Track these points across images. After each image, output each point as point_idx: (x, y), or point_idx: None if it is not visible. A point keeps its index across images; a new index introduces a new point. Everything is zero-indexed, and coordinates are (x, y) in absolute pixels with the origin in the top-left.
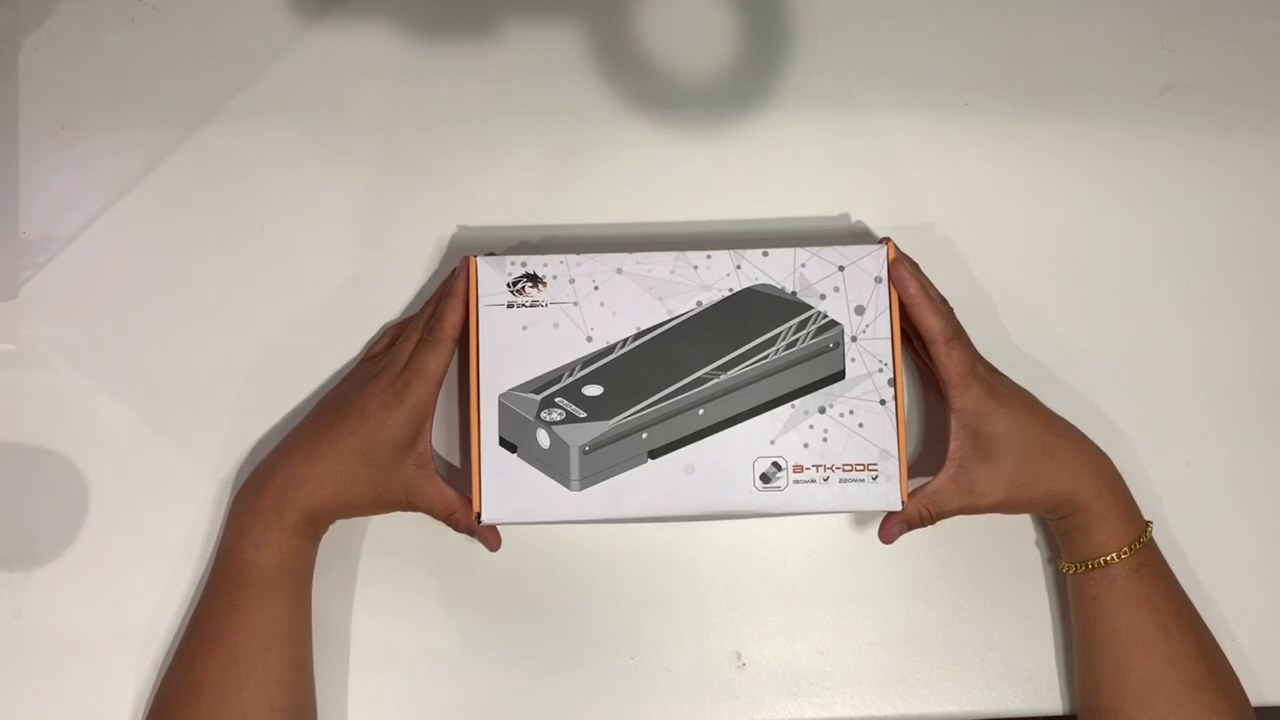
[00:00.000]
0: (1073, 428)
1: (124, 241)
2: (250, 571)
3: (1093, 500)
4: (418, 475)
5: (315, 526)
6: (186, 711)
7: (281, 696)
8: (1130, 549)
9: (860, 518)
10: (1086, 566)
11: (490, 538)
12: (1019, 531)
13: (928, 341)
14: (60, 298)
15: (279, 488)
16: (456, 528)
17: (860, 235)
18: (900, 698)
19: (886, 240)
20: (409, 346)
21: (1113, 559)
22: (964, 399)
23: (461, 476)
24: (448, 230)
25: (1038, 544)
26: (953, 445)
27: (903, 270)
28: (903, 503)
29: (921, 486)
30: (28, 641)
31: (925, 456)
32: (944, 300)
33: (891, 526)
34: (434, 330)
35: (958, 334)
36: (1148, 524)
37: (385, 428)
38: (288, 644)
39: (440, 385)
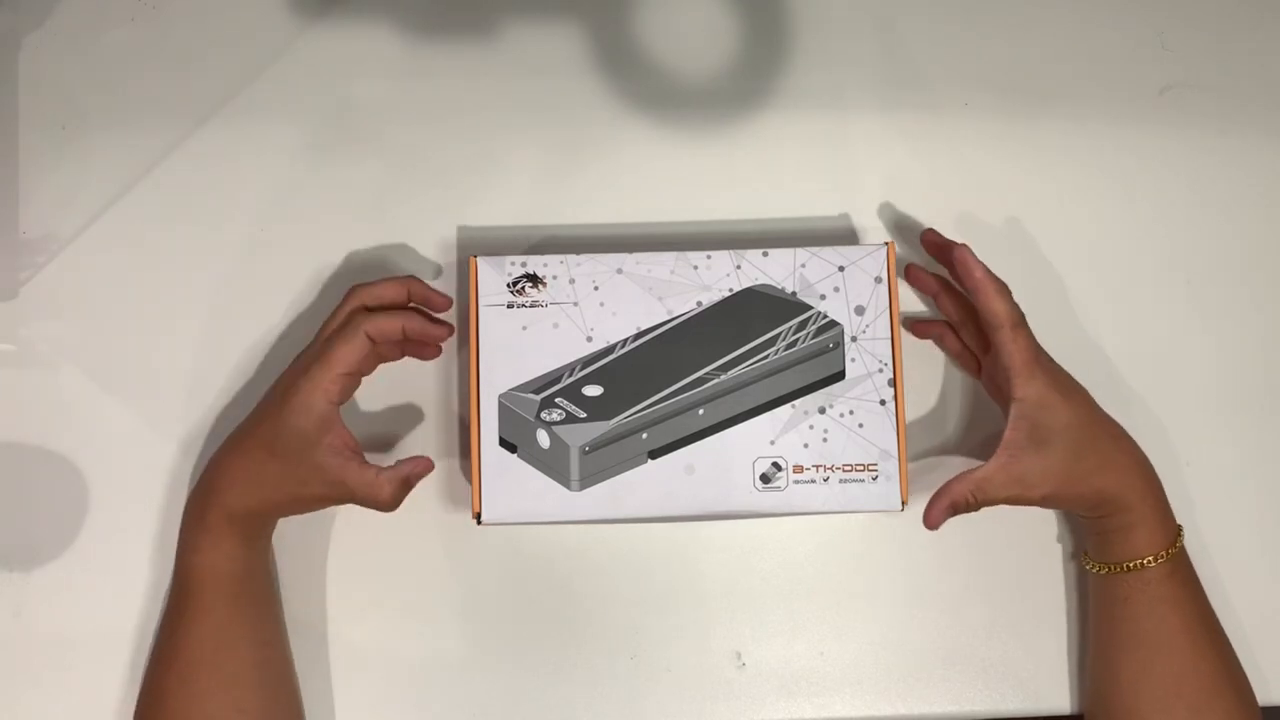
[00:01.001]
0: (1120, 427)
1: (124, 241)
2: (190, 578)
3: (1138, 502)
4: (334, 465)
5: (242, 527)
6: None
7: (248, 698)
8: (1167, 553)
9: (861, 518)
10: (1122, 568)
11: (420, 463)
12: (1021, 530)
13: (993, 327)
14: (60, 298)
15: (204, 491)
16: (387, 504)
17: (860, 235)
18: (900, 698)
19: (889, 243)
20: (326, 334)
21: (1150, 562)
22: (1028, 388)
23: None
24: (448, 230)
25: (1059, 539)
26: (1009, 434)
27: (967, 254)
28: (903, 503)
29: (970, 471)
30: (28, 641)
31: (938, 453)
32: (1007, 286)
33: (937, 511)
34: (354, 320)
35: (1023, 320)
36: (1180, 529)
37: (284, 416)
38: (245, 646)
39: (350, 375)
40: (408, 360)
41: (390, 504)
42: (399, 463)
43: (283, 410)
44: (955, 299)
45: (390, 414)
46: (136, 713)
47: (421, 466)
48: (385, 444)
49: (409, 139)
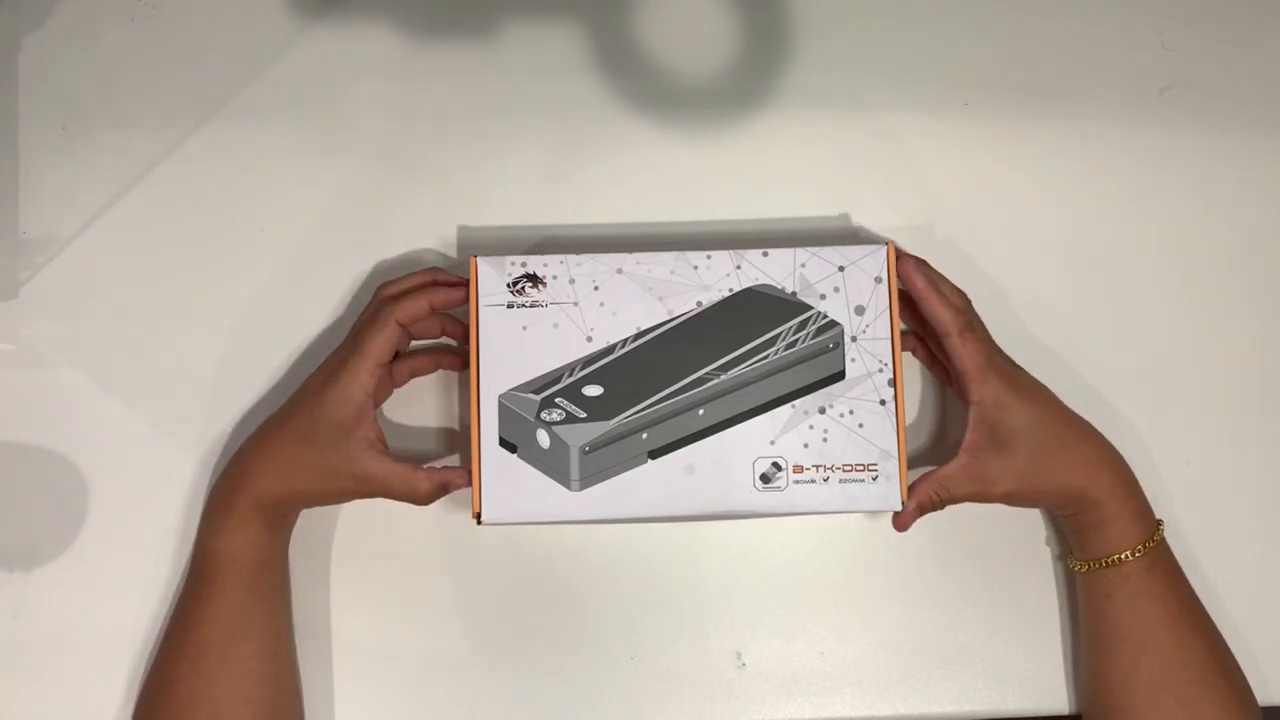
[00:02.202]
0: (1088, 424)
1: (124, 241)
2: (209, 561)
3: (1107, 497)
4: (366, 458)
5: (268, 515)
6: (161, 707)
7: (255, 688)
8: (1144, 547)
9: (861, 517)
10: (1100, 564)
11: (459, 477)
12: (1020, 530)
13: (941, 335)
14: (60, 298)
15: (232, 476)
16: (423, 499)
17: (860, 235)
18: (900, 698)
19: (889, 243)
20: (358, 326)
21: (1126, 557)
22: (982, 390)
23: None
24: (448, 230)
25: (1047, 542)
26: (969, 436)
27: (908, 266)
28: (903, 503)
29: (933, 471)
30: (28, 641)
31: (937, 453)
32: (960, 293)
33: (905, 513)
34: (382, 310)
35: (971, 325)
36: (1159, 522)
37: (321, 407)
38: (257, 636)
39: (381, 365)
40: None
41: (425, 499)
42: (444, 468)
43: (320, 401)
44: (916, 310)
45: (390, 414)
46: (142, 693)
47: (462, 480)
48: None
49: (410, 139)
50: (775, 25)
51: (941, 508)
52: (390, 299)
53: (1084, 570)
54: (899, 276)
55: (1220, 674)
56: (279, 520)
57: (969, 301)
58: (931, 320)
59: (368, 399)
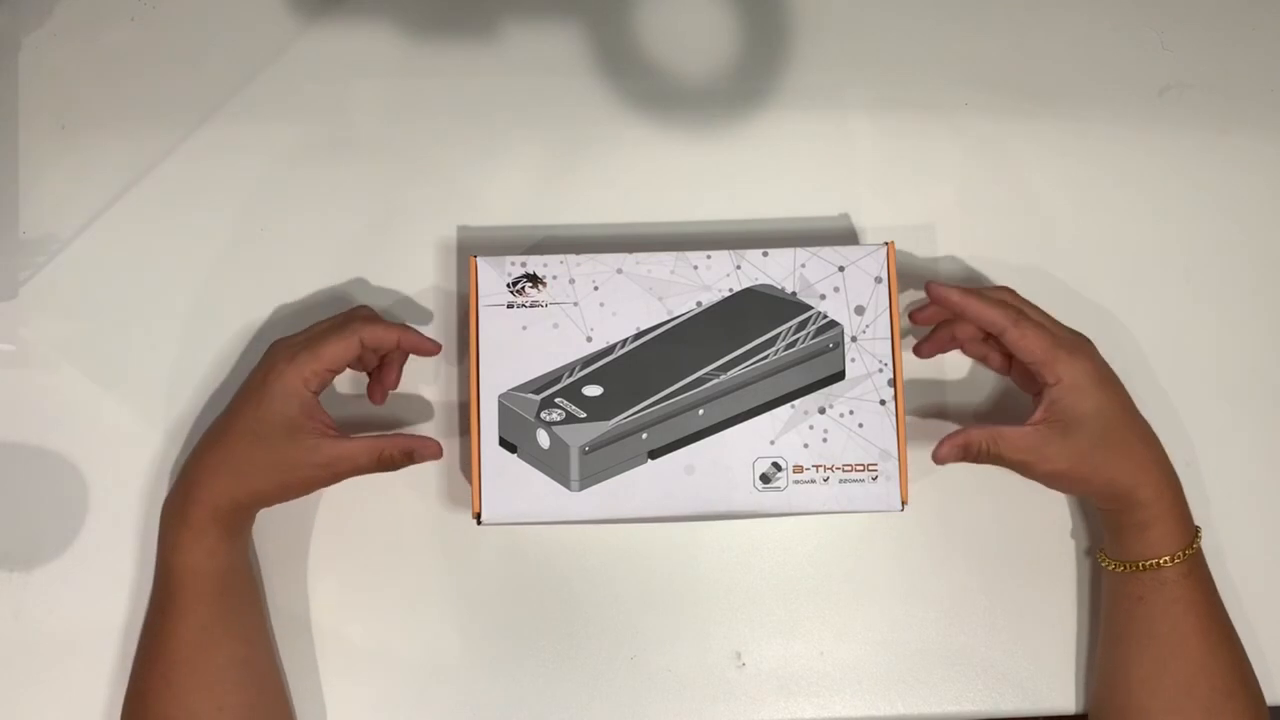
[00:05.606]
0: (1150, 428)
1: (124, 241)
2: (171, 577)
3: (1153, 499)
4: (324, 445)
5: (226, 521)
6: None
7: (229, 695)
8: (1184, 554)
9: (860, 518)
10: (1137, 566)
11: (430, 446)
12: (1022, 530)
13: (998, 335)
14: (60, 298)
15: (184, 487)
16: (392, 464)
17: (860, 235)
18: (900, 698)
19: (889, 243)
20: (318, 330)
21: (1166, 562)
22: (1057, 371)
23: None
24: (448, 230)
25: (1073, 534)
26: (1039, 413)
27: (937, 286)
28: (903, 503)
29: (997, 426)
30: (28, 641)
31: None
32: (1004, 289)
33: (950, 447)
34: (352, 322)
35: (1021, 314)
36: (1198, 530)
37: (266, 402)
38: (227, 644)
39: (333, 371)
40: (409, 360)
41: (395, 465)
42: (410, 435)
43: (264, 397)
44: (964, 326)
45: (390, 415)
46: (123, 712)
47: (430, 450)
48: None
49: (409, 139)
50: (775, 25)
51: (987, 461)
52: (364, 318)
53: (1118, 570)
54: (934, 301)
55: (1241, 684)
56: (237, 525)
57: (1014, 293)
58: (982, 325)
59: (313, 395)
